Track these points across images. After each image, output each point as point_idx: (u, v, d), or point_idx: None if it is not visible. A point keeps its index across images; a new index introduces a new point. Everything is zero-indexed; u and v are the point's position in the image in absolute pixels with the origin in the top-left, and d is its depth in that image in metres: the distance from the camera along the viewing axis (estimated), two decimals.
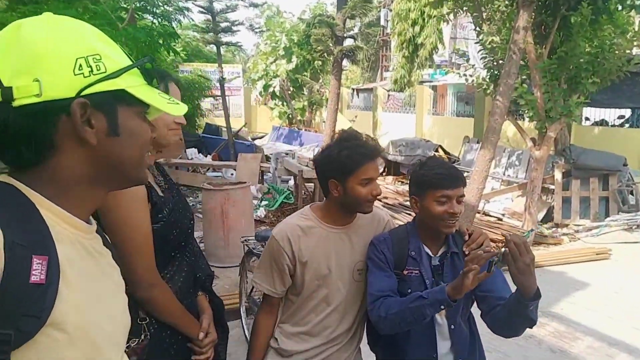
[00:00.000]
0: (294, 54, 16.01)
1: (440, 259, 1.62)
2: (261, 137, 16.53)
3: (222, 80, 12.17)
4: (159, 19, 8.43)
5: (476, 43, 6.63)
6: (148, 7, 8.27)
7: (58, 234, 0.69)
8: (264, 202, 7.83)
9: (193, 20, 10.58)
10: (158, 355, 1.33)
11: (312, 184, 7.32)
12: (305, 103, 16.18)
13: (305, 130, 14.57)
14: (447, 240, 1.64)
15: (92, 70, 0.70)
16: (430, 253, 1.64)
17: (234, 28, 12.88)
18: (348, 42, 8.78)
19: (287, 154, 11.30)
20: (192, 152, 12.35)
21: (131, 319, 1.27)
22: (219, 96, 20.04)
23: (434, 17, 12.57)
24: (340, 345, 1.67)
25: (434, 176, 1.57)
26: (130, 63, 0.76)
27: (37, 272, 0.63)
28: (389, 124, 15.26)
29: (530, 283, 1.34)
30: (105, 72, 0.71)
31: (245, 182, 5.60)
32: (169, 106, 0.79)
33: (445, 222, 1.57)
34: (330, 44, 7.32)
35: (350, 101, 19.11)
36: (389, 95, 16.13)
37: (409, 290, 1.57)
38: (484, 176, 5.00)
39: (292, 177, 8.00)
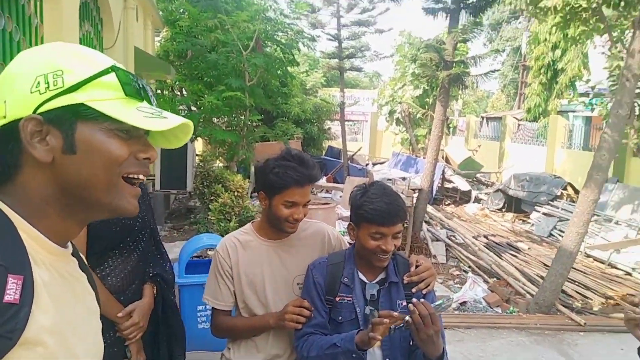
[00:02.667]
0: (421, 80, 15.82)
1: (377, 288, 1.56)
2: (382, 163, 16.53)
3: (342, 105, 12.55)
4: (282, 47, 9.09)
5: (604, 69, 5.84)
6: (273, 36, 8.98)
7: (34, 256, 0.68)
8: None
9: (309, 47, 11.13)
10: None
11: (407, 213, 7.10)
12: (428, 130, 15.79)
13: (424, 157, 14.18)
14: (387, 268, 1.57)
15: (48, 87, 0.69)
16: (365, 279, 1.59)
17: (359, 54, 13.20)
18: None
19: (403, 179, 11.16)
20: None
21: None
22: (351, 121, 20.85)
23: (578, 39, 11.35)
24: None
25: (370, 210, 1.51)
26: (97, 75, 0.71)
27: (12, 291, 0.62)
28: (516, 156, 14.06)
29: (433, 351, 1.32)
30: (62, 87, 0.69)
31: (329, 204, 5.67)
32: (146, 120, 0.71)
33: (377, 256, 1.52)
34: (436, 69, 7.08)
35: (478, 130, 18.09)
36: (519, 125, 14.90)
37: (340, 318, 1.54)
38: (585, 219, 4.33)
39: None
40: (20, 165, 0.71)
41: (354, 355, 1.40)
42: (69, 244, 0.80)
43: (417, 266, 1.58)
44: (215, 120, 8.59)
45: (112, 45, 6.06)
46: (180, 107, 9.34)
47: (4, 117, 0.69)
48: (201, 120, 8.36)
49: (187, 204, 8.59)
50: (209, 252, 5.05)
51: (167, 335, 1.79)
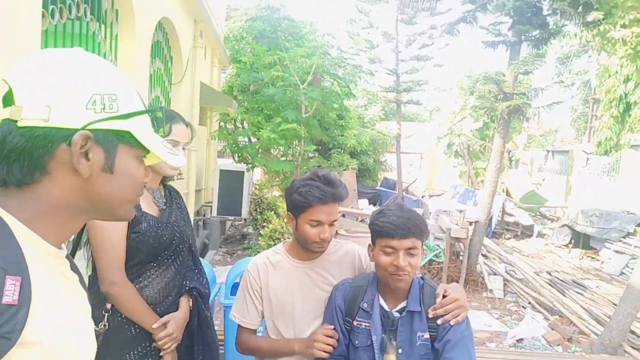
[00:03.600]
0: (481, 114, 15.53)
1: (398, 316, 1.49)
2: (439, 195, 16.19)
3: (398, 137, 12.57)
4: (339, 81, 9.35)
5: None
6: (331, 70, 9.28)
7: (30, 257, 0.69)
8: None
9: (367, 82, 11.31)
10: (119, 341, 1.59)
11: (462, 244, 6.90)
12: (487, 163, 15.35)
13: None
14: (409, 296, 1.50)
15: (104, 108, 0.74)
16: (386, 307, 1.52)
17: (417, 87, 13.25)
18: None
19: (460, 211, 10.87)
20: (363, 203, 12.89)
21: (97, 309, 1.56)
22: (408, 153, 20.74)
23: None
24: None
25: (380, 223, 1.48)
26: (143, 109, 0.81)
27: (10, 292, 0.63)
28: (585, 190, 13.25)
29: None
30: (116, 112, 0.75)
31: None
32: (169, 156, 0.81)
33: (392, 276, 1.45)
34: (494, 101, 6.97)
35: (543, 164, 17.30)
36: (587, 159, 14.09)
37: (357, 342, 1.50)
38: None
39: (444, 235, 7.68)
40: (46, 171, 0.73)
41: None
42: (64, 245, 0.82)
43: (444, 297, 1.50)
44: (272, 150, 8.91)
45: (180, 81, 6.56)
46: (240, 138, 9.79)
47: (45, 120, 0.71)
48: (259, 150, 8.71)
49: (242, 230, 8.86)
50: None
51: (202, 347, 1.83)
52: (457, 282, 6.59)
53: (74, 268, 0.86)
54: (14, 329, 0.62)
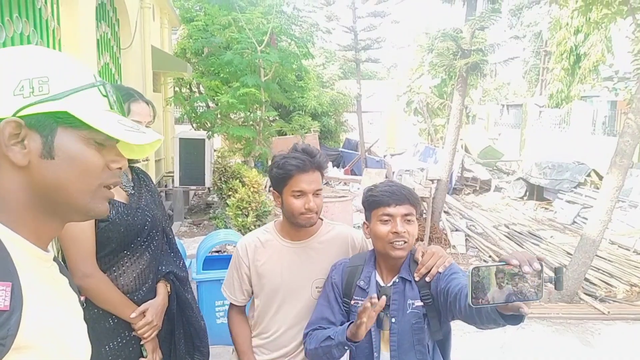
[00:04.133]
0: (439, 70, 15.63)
1: (392, 290, 1.49)
2: (400, 154, 16.43)
3: (358, 97, 12.50)
4: (296, 41, 9.08)
5: (629, 52, 5.67)
6: (287, 30, 8.98)
7: (18, 261, 0.68)
8: None
9: (325, 40, 11.10)
10: (97, 334, 1.53)
11: (426, 203, 7.06)
12: (447, 120, 15.61)
13: (443, 147, 14.05)
14: (402, 266, 1.51)
15: (33, 91, 0.70)
16: (382, 282, 1.53)
17: (375, 45, 13.11)
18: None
19: (421, 170, 11.08)
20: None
21: None
22: (368, 112, 20.75)
23: (601, 23, 11.04)
24: None
25: (375, 194, 1.49)
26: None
27: (1, 298, 0.62)
28: (538, 143, 13.78)
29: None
30: (47, 93, 0.70)
31: (346, 196, 5.67)
32: (127, 134, 0.74)
33: (392, 244, 1.45)
34: (453, 58, 6.98)
35: (499, 118, 17.79)
36: (540, 112, 14.59)
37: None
38: (609, 206, 4.23)
39: None
40: None
41: (345, 348, 1.39)
42: (50, 248, 0.81)
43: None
44: (232, 116, 8.66)
45: (129, 45, 6.16)
46: (198, 104, 9.44)
47: None
48: (218, 116, 8.44)
49: (206, 199, 8.71)
50: (228, 247, 5.13)
51: (185, 332, 1.80)
52: (422, 240, 6.79)
53: (63, 271, 0.84)
54: (7, 335, 0.62)
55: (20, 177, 0.72)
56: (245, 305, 1.75)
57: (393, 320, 1.46)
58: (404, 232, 1.45)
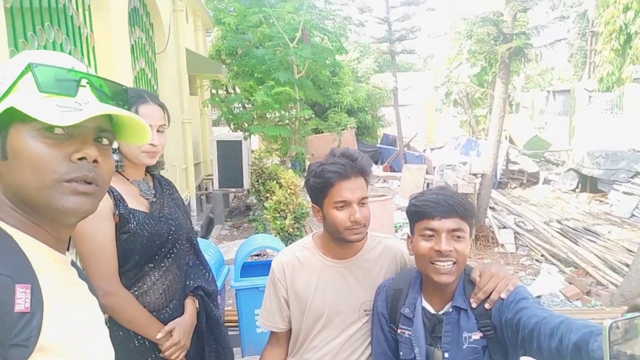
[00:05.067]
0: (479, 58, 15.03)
1: (443, 320, 1.27)
2: (440, 148, 15.96)
3: (395, 90, 12.18)
4: (329, 35, 8.90)
5: None
6: (320, 25, 8.81)
7: (36, 263, 0.68)
8: None
9: (358, 33, 10.85)
10: (122, 355, 1.42)
11: (470, 199, 6.73)
12: (489, 110, 15.01)
13: (486, 139, 13.51)
14: (456, 291, 1.27)
15: None
16: (431, 309, 1.30)
17: (410, 36, 12.74)
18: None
19: (464, 164, 10.67)
20: None
21: None
22: (406, 105, 20.28)
23: None
24: None
25: (419, 203, 1.26)
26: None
27: (22, 300, 0.63)
28: (589, 131, 13.02)
29: None
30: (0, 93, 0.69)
31: (385, 195, 5.47)
32: (57, 116, 0.66)
33: (435, 265, 1.22)
34: (494, 43, 6.61)
35: (544, 105, 16.96)
36: (590, 97, 13.77)
37: (402, 354, 1.30)
38: None
39: None
40: None
41: None
42: (67, 254, 0.80)
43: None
44: (268, 116, 8.59)
45: (164, 49, 6.16)
46: (234, 105, 9.42)
47: None
48: (255, 116, 8.38)
49: (245, 201, 8.69)
50: (268, 251, 5.03)
51: (215, 348, 1.69)
52: None
53: (82, 275, 0.84)
54: (30, 336, 0.62)
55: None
56: (287, 333, 1.56)
57: (446, 355, 1.24)
58: (450, 250, 1.21)
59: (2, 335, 0.60)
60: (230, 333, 3.36)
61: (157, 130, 1.52)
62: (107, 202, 1.40)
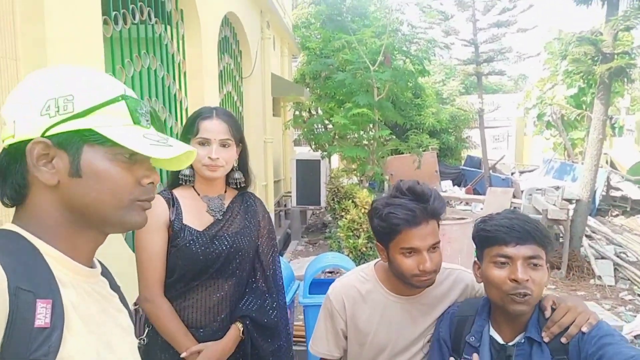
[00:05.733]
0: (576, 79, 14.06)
1: (514, 351, 1.18)
2: (530, 171, 15.01)
3: (480, 112, 11.76)
4: (411, 58, 8.90)
5: None
6: (402, 48, 8.85)
7: (61, 278, 0.70)
8: None
9: (442, 57, 10.66)
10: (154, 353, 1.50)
11: (562, 226, 6.24)
12: (586, 132, 13.89)
13: (582, 163, 12.48)
14: (530, 323, 1.17)
15: (58, 111, 0.71)
16: (500, 340, 1.21)
17: (499, 57, 12.28)
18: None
19: (556, 188, 9.94)
20: (446, 184, 12.30)
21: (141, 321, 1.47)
22: (493, 127, 19.47)
23: None
24: None
25: (491, 227, 1.17)
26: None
27: (42, 315, 0.64)
28: None
29: None
30: (72, 111, 0.71)
31: (465, 218, 5.26)
32: (151, 148, 0.73)
33: (509, 297, 1.12)
34: (592, 63, 6.16)
35: None
36: None
37: None
38: None
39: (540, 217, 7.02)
40: (28, 185, 0.73)
41: None
42: (97, 264, 0.82)
43: (553, 310, 1.17)
44: (348, 136, 8.71)
45: (250, 74, 6.55)
46: (315, 126, 9.68)
47: (13, 136, 0.71)
48: (334, 137, 8.54)
49: (322, 218, 8.81)
50: (342, 270, 5.03)
51: None
52: (559, 269, 5.98)
53: (114, 286, 0.85)
54: (49, 352, 0.63)
55: (52, 195, 0.73)
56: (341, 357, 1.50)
57: None
58: (527, 280, 1.12)
59: (21, 349, 0.62)
60: (298, 349, 3.39)
61: (221, 145, 1.53)
62: (164, 215, 1.49)
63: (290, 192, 8.08)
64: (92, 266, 0.79)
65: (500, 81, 25.48)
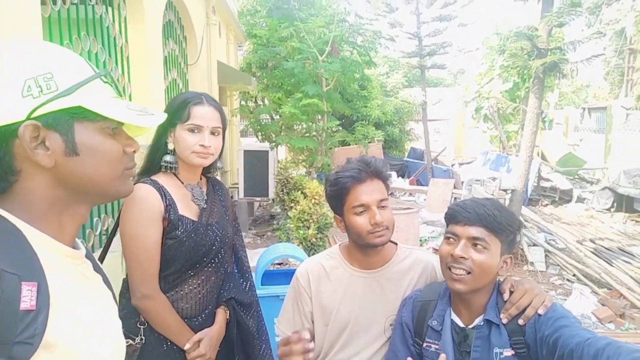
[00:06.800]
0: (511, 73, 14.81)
1: (473, 334, 1.22)
2: (469, 163, 15.71)
3: (424, 105, 12.11)
4: (358, 49, 8.97)
5: None
6: (349, 39, 8.89)
7: (46, 260, 0.69)
8: None
9: (388, 48, 10.88)
10: (154, 356, 1.45)
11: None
12: (520, 126, 14.71)
13: (516, 155, 13.22)
14: (489, 306, 1.22)
15: (41, 90, 0.68)
16: (460, 323, 1.25)
17: (441, 51, 12.67)
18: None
19: (493, 179, 10.47)
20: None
21: (131, 322, 1.42)
22: (434, 120, 20.13)
23: None
24: None
25: (453, 208, 1.25)
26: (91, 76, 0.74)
27: (27, 298, 0.63)
28: (626, 149, 12.56)
29: None
30: (56, 90, 0.69)
31: (411, 208, 5.41)
32: (137, 118, 0.74)
33: (449, 269, 1.20)
34: (527, 58, 6.49)
35: (579, 122, 16.49)
36: (627, 115, 13.32)
37: None
38: None
39: None
40: (15, 171, 0.71)
41: None
42: (81, 245, 0.82)
43: (511, 293, 1.22)
44: (295, 127, 8.68)
45: (196, 61, 6.33)
46: (262, 116, 9.57)
47: None
48: (282, 127, 8.48)
49: (270, 210, 8.75)
50: (290, 260, 5.03)
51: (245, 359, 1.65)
52: None
53: (97, 268, 0.85)
54: (34, 333, 0.63)
55: (45, 177, 0.72)
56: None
57: None
58: (464, 258, 1.17)
59: (6, 332, 0.61)
60: None
61: (211, 133, 1.51)
62: (158, 206, 1.43)
63: (237, 184, 7.94)
64: (75, 247, 0.79)
65: (440, 75, 26.35)
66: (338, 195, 1.37)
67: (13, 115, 0.67)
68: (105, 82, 0.76)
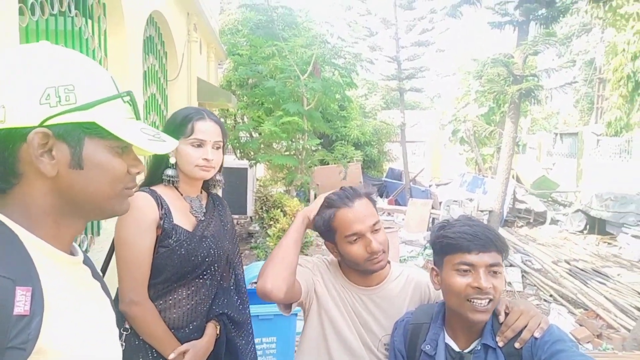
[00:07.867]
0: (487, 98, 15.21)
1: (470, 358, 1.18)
2: (446, 184, 15.93)
3: (402, 126, 12.28)
4: (340, 70, 9.07)
5: None
6: (331, 60, 8.99)
7: (42, 265, 0.68)
8: (428, 251, 7.46)
9: (368, 70, 11.05)
10: None
11: None
12: (495, 149, 15.06)
13: (492, 177, 13.47)
14: (486, 330, 1.18)
15: (59, 101, 0.69)
16: (456, 347, 1.21)
17: (419, 74, 12.95)
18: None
19: (470, 200, 10.60)
20: None
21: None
22: (412, 142, 20.44)
23: None
24: None
25: (453, 235, 1.17)
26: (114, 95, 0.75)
27: (21, 303, 0.63)
28: (597, 173, 12.95)
29: None
30: (74, 103, 0.69)
31: (391, 227, 5.40)
32: (148, 143, 0.75)
33: (472, 303, 1.13)
34: (504, 84, 6.68)
35: (552, 147, 16.99)
36: (598, 141, 13.78)
37: None
38: None
39: None
40: (18, 174, 0.70)
41: None
42: (79, 251, 0.81)
43: (507, 315, 1.17)
44: (275, 145, 8.65)
45: (176, 77, 6.27)
46: (241, 134, 9.51)
47: (2, 122, 0.67)
48: (261, 145, 8.42)
49: (248, 228, 8.63)
50: None
51: None
52: None
53: (96, 275, 0.85)
54: (27, 339, 0.62)
55: (46, 185, 0.71)
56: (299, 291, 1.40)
57: None
58: (489, 287, 1.12)
59: (0, 338, 0.60)
60: None
61: (213, 147, 1.54)
62: (153, 214, 1.44)
63: None
64: (72, 253, 0.78)
65: (417, 98, 26.91)
66: (327, 224, 1.33)
67: (26, 119, 0.67)
68: (125, 102, 0.76)
